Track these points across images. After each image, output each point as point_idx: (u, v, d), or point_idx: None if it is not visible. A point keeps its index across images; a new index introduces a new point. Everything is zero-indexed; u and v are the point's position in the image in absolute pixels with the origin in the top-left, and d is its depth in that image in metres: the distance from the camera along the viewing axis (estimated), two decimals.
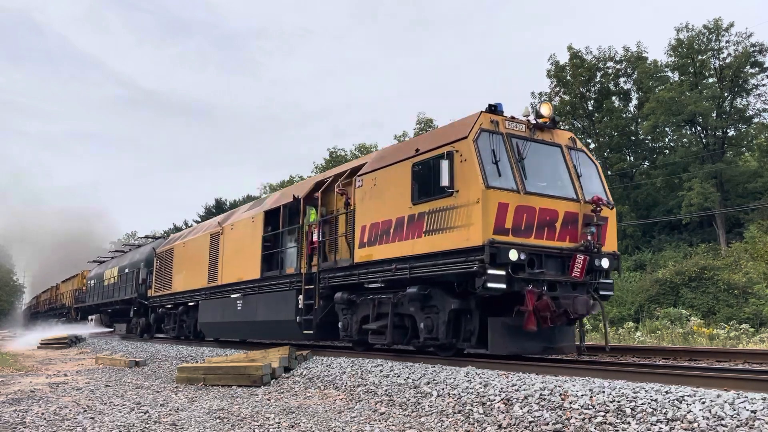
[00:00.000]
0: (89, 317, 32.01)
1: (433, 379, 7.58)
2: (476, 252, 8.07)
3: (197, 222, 50.58)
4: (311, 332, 11.53)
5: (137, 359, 14.82)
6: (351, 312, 10.89)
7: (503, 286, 8.03)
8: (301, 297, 11.82)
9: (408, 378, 7.94)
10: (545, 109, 9.44)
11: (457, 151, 8.58)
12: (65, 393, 9.52)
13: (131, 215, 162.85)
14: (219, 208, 54.04)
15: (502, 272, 8.03)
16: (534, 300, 8.06)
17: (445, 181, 8.41)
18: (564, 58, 39.61)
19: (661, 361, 9.71)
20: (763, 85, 35.73)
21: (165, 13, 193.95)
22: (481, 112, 8.91)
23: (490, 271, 7.94)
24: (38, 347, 24.97)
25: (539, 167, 9.01)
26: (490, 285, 7.95)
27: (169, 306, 19.83)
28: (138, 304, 23.23)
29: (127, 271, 25.06)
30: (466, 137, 8.54)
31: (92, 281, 32.09)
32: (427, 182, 9.01)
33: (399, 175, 9.69)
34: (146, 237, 30.44)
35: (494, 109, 9.06)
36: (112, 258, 31.63)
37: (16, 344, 28.13)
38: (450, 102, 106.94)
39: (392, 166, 9.96)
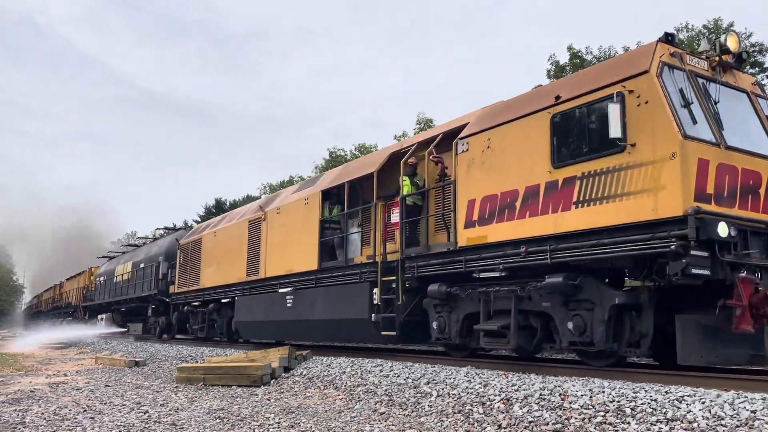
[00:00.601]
0: (99, 316, 29.60)
1: (433, 379, 7.58)
2: (670, 226, 6.16)
3: (197, 222, 50.33)
4: (393, 333, 9.66)
5: (137, 359, 14.82)
6: (449, 309, 9.02)
7: (707, 272, 6.17)
8: (376, 291, 10.00)
9: (408, 378, 7.94)
10: (732, 42, 7.33)
11: (630, 92, 6.64)
12: (65, 393, 9.52)
13: (130, 215, 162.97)
14: (219, 208, 53.96)
15: (706, 253, 6.13)
16: (750, 292, 6.17)
17: (615, 132, 6.48)
18: (564, 58, 39.61)
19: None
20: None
21: (165, 14, 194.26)
22: (658, 41, 6.95)
23: (695, 252, 6.02)
24: (39, 347, 24.81)
25: (728, 116, 6.99)
26: (695, 271, 6.06)
27: (196, 303, 17.75)
28: (157, 301, 21.31)
29: (143, 265, 23.05)
30: (646, 71, 6.59)
31: (102, 278, 29.90)
32: (578, 137, 7.10)
33: (529, 131, 7.65)
34: (165, 228, 27.14)
35: (671, 39, 7.04)
36: (124, 253, 29.51)
37: (22, 345, 26.72)
38: (450, 102, 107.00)
39: (517, 121, 7.92)
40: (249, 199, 51.54)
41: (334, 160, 47.95)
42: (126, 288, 24.84)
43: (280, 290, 12.74)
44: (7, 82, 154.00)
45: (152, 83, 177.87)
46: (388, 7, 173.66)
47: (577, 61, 39.87)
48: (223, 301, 15.94)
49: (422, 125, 44.18)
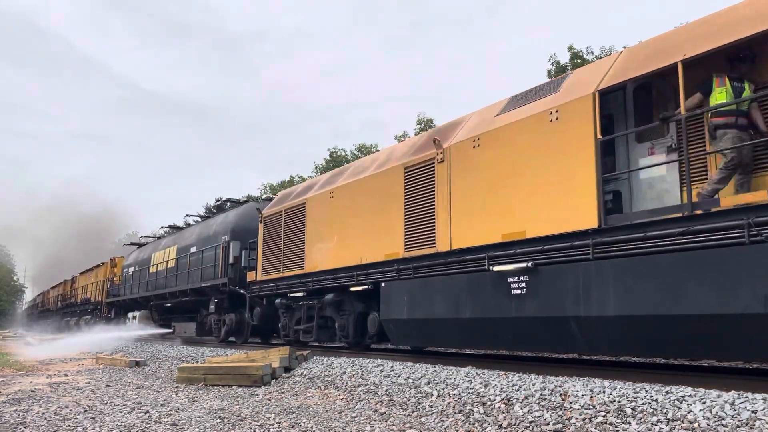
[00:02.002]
0: (130, 314, 24.40)
1: (434, 379, 7.58)
2: None
3: (198, 222, 49.18)
4: None
5: (137, 359, 14.80)
6: None
7: None
8: None
9: (408, 378, 7.93)
10: None
11: None
12: (66, 393, 9.53)
13: (129, 215, 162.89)
14: (219, 208, 53.90)
15: None
16: None
17: None
18: (564, 58, 39.62)
19: (662, 361, 9.71)
20: None
21: (166, 16, 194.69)
22: None
23: None
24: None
25: None
26: None
27: (297, 294, 12.79)
28: (223, 294, 16.33)
29: (195, 249, 18.50)
30: None
31: (131, 269, 25.10)
32: None
33: None
34: (227, 200, 21.75)
35: None
36: (159, 238, 25.16)
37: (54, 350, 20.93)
38: (450, 102, 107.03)
39: None
40: (249, 199, 51.35)
41: (335, 160, 47.99)
42: (172, 278, 20.04)
43: (497, 269, 8.00)
44: (8, 83, 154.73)
45: (154, 84, 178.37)
46: (388, 7, 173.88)
47: (578, 61, 39.90)
48: (353, 289, 10.95)
49: (422, 125, 44.22)
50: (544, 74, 41.19)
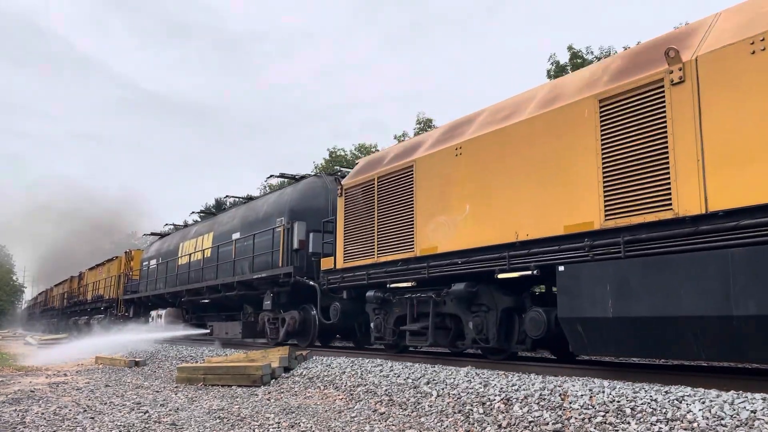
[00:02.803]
0: (153, 313, 20.72)
1: (433, 379, 7.57)
2: None
3: (197, 221, 46.06)
4: None
5: (137, 359, 14.80)
6: None
7: None
8: None
9: (408, 378, 7.93)
10: None
11: None
12: (65, 393, 9.53)
13: (128, 215, 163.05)
14: (219, 207, 53.84)
15: None
16: None
17: None
18: (564, 58, 39.62)
19: (661, 361, 9.71)
20: None
21: (166, 16, 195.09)
22: None
23: None
24: (38, 346, 24.68)
25: None
26: None
27: (403, 285, 9.74)
28: (288, 286, 12.99)
29: (238, 236, 15.50)
30: None
31: (152, 261, 21.95)
32: None
33: None
34: (280, 176, 17.08)
35: None
36: (186, 226, 22.19)
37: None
38: (450, 102, 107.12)
39: None
40: (250, 199, 51.19)
41: (334, 160, 47.96)
42: (210, 270, 16.85)
43: None
44: (8, 83, 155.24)
45: (153, 84, 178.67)
46: (388, 7, 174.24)
47: (578, 61, 39.81)
48: (500, 277, 7.87)
49: (422, 125, 44.23)
50: (543, 74, 41.06)
